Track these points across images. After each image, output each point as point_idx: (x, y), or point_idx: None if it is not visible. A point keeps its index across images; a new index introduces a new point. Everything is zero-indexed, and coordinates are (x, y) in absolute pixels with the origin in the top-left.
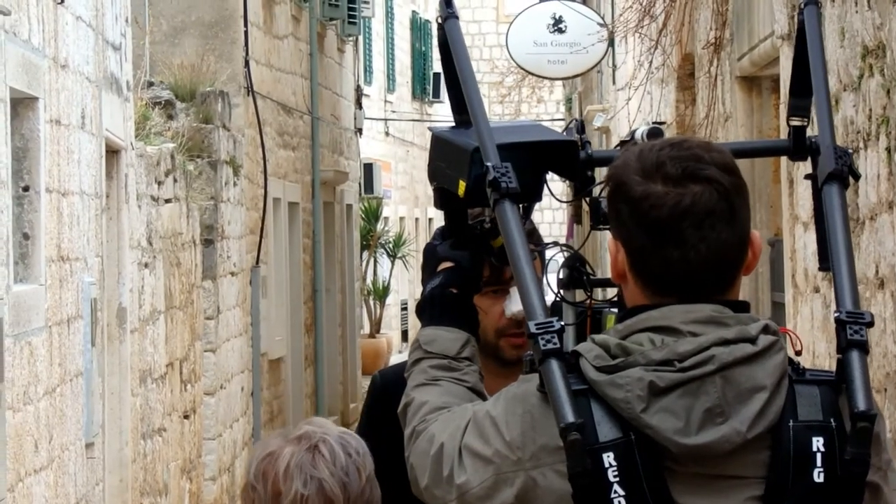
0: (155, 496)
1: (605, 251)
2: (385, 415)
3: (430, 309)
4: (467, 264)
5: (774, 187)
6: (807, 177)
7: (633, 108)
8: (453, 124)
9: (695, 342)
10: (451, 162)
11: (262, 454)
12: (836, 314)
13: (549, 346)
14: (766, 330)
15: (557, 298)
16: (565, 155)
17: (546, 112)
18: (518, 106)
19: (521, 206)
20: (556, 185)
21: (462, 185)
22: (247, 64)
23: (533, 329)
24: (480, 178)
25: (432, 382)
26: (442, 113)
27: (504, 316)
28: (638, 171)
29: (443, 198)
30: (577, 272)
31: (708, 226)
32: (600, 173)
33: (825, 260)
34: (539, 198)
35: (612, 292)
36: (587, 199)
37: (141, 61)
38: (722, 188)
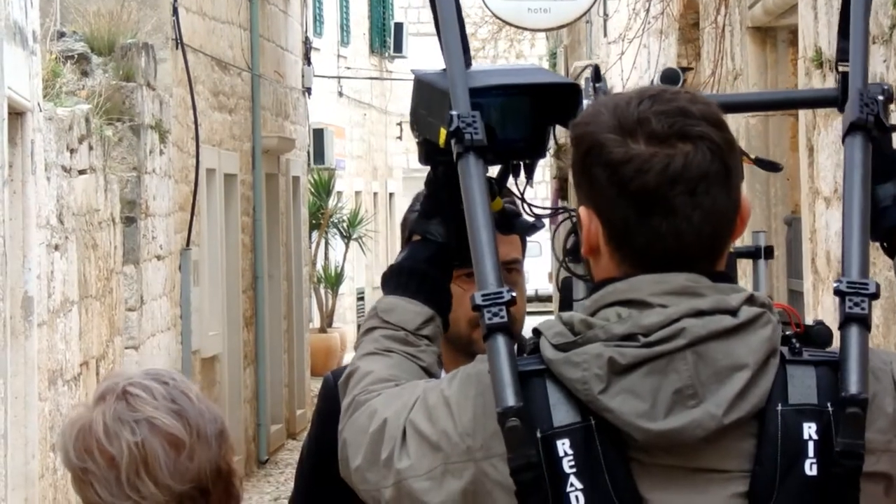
0: None
1: None
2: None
3: (395, 279)
4: (439, 237)
5: (792, 156)
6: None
7: (627, 64)
8: (442, 68)
9: (663, 314)
10: (432, 108)
11: (73, 433)
12: (835, 284)
13: (496, 320)
14: (750, 301)
15: (563, 268)
16: (567, 102)
17: None
18: (494, 61)
19: (523, 163)
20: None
21: (443, 134)
22: (175, 12)
23: (479, 300)
24: None
25: (383, 353)
26: (404, 69)
27: None
28: (615, 129)
29: (428, 151)
30: None
31: (702, 191)
32: None
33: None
34: (543, 153)
35: None
36: None
37: (50, 8)
38: (715, 146)
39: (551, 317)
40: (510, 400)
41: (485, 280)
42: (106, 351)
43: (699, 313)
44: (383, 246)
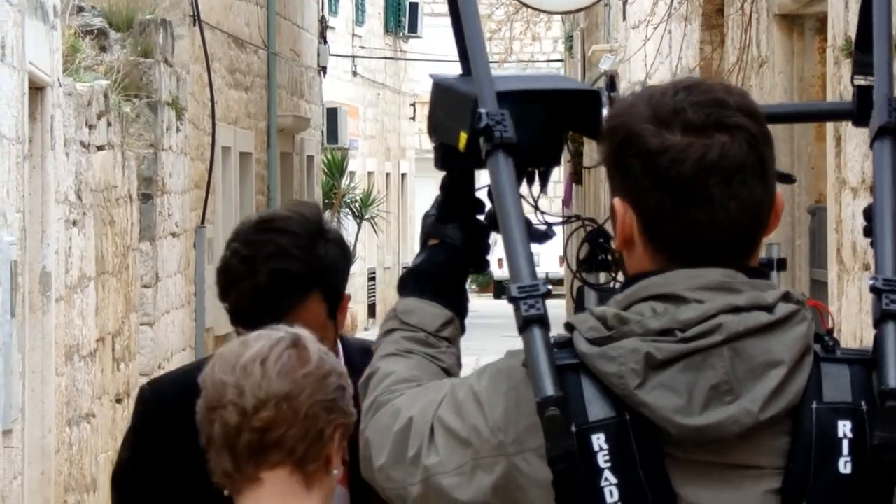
0: (81, 492)
1: None
2: (159, 441)
3: (413, 282)
4: (457, 241)
5: (817, 146)
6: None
7: (649, 50)
8: (460, 72)
9: (699, 309)
10: (451, 112)
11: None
12: (871, 281)
13: (532, 312)
14: (786, 298)
15: (576, 277)
16: (586, 109)
17: (542, 52)
18: (509, 44)
19: (538, 170)
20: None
21: (463, 138)
22: None
23: (515, 293)
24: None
25: (403, 354)
26: (419, 49)
27: None
28: (650, 119)
29: (444, 156)
30: (602, 250)
31: (738, 181)
32: None
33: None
34: (557, 161)
35: None
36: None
37: None
38: (751, 137)
39: (561, 301)
40: (549, 390)
41: (519, 273)
42: (122, 327)
43: (736, 309)
44: (395, 226)
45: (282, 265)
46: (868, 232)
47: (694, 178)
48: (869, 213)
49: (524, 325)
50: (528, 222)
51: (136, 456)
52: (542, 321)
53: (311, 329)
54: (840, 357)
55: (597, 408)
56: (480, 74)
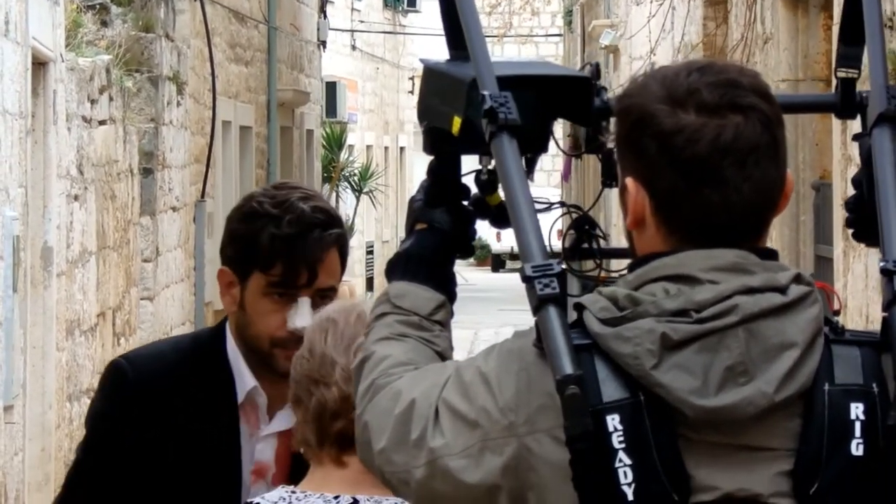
0: None
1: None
2: (143, 414)
3: (404, 265)
4: (445, 225)
5: (822, 122)
6: (855, 137)
7: (652, 26)
8: (448, 58)
9: (715, 290)
10: (445, 96)
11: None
12: (881, 263)
13: (547, 291)
14: (798, 280)
15: (562, 268)
16: (578, 96)
17: (540, 26)
18: (509, 18)
19: (524, 157)
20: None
21: (457, 122)
22: None
23: (529, 272)
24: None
25: (398, 338)
26: (418, 24)
27: (285, 327)
28: (664, 100)
29: (434, 140)
30: (587, 237)
31: (752, 162)
32: None
33: (866, 234)
34: (545, 148)
35: (624, 263)
36: (599, 155)
37: None
38: (765, 118)
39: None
40: (568, 368)
41: (531, 253)
42: (122, 302)
43: (750, 290)
44: (393, 200)
45: (317, 203)
46: (850, 223)
47: (708, 158)
48: (851, 206)
49: (539, 304)
50: None
51: (114, 427)
52: (558, 300)
53: (331, 284)
54: (850, 339)
55: (611, 388)
56: (479, 57)
